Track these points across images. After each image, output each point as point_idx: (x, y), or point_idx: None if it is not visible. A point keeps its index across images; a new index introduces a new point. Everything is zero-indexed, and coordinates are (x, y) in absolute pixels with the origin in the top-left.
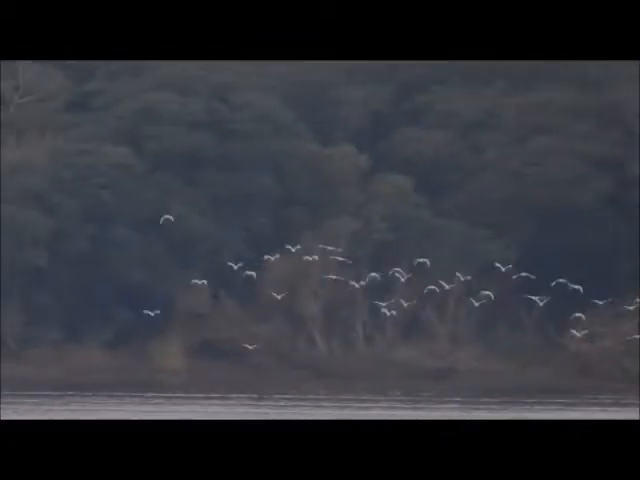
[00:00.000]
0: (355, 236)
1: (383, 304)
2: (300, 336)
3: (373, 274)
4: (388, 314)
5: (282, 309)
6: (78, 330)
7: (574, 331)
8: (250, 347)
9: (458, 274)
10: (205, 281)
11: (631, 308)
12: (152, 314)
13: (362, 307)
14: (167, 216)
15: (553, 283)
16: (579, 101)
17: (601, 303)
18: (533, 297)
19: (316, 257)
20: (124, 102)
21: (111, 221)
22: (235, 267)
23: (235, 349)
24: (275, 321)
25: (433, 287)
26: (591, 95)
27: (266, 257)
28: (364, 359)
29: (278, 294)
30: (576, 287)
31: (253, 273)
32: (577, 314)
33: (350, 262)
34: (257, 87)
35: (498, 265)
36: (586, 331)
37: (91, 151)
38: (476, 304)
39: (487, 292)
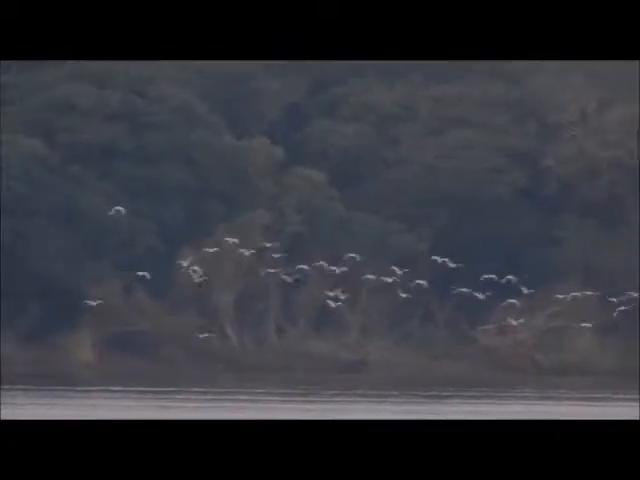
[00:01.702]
0: (269, 228)
1: (296, 296)
2: (212, 329)
3: (286, 266)
4: (300, 306)
5: (195, 302)
6: None
7: (486, 324)
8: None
9: (372, 266)
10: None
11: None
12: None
13: (275, 300)
14: (118, 207)
15: (467, 275)
16: (494, 94)
17: (514, 295)
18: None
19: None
20: (39, 94)
21: (25, 213)
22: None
23: (147, 342)
24: (187, 314)
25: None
26: (506, 88)
27: (180, 249)
28: (276, 352)
29: (192, 285)
30: (489, 278)
31: (167, 266)
32: (490, 306)
33: (262, 255)
34: (172, 80)
35: (435, 257)
36: (499, 323)
37: (5, 142)
38: (403, 295)
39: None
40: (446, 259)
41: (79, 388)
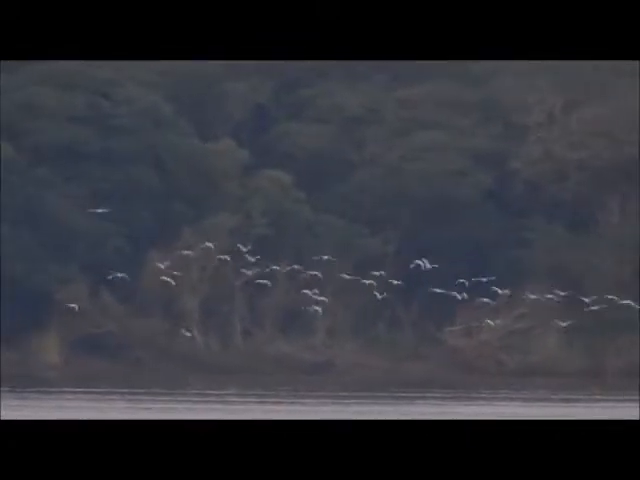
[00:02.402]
0: (235, 231)
1: (262, 298)
2: (179, 330)
3: (253, 269)
4: (266, 308)
5: (161, 304)
6: None
7: (453, 325)
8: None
9: (338, 269)
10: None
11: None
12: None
13: (241, 302)
14: (102, 210)
15: (433, 277)
16: (460, 96)
17: (480, 297)
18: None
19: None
20: (4, 96)
21: None
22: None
23: (114, 344)
24: (154, 316)
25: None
26: (472, 90)
27: (147, 251)
28: (242, 353)
29: (159, 288)
30: (456, 280)
31: (134, 268)
32: (456, 308)
33: (229, 257)
34: (138, 82)
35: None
36: (465, 325)
37: None
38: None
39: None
40: (412, 261)
41: (46, 389)
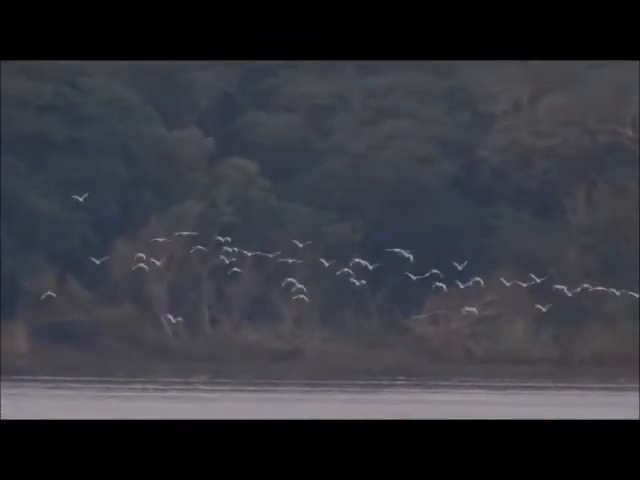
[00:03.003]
0: (201, 219)
1: (230, 286)
2: (147, 319)
3: (220, 257)
4: (234, 296)
5: (129, 292)
6: None
7: (420, 313)
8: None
9: (304, 257)
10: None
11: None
12: None
13: (208, 290)
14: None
15: (400, 265)
16: (426, 84)
17: (447, 285)
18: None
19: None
20: None
21: None
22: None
23: (82, 332)
24: (122, 304)
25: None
26: (438, 78)
27: (115, 240)
28: (210, 341)
29: (126, 276)
30: (422, 268)
31: (102, 256)
32: (423, 295)
33: (196, 245)
34: (105, 71)
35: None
36: (432, 312)
37: None
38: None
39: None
40: (379, 248)
41: (13, 378)
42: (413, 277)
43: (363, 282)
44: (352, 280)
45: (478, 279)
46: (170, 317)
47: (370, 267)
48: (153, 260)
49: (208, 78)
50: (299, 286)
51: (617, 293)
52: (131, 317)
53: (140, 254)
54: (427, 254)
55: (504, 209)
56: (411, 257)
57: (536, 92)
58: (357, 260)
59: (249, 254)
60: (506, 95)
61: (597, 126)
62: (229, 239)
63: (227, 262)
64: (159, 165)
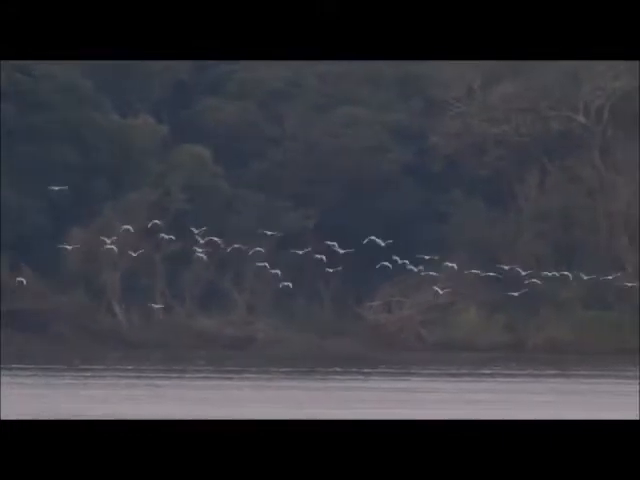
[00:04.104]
0: (155, 206)
1: (183, 274)
2: (100, 306)
3: (173, 244)
4: (186, 283)
5: (82, 279)
6: None
7: (373, 301)
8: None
9: (259, 244)
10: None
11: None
12: None
13: (161, 277)
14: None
15: (353, 252)
16: (380, 71)
17: (400, 272)
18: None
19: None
20: None
21: None
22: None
23: (34, 320)
24: (75, 291)
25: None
26: (391, 65)
27: (67, 227)
28: (163, 328)
29: (79, 263)
30: (376, 255)
31: (55, 244)
32: (376, 283)
33: (149, 232)
34: None
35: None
36: (385, 300)
37: None
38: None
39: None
40: (332, 236)
41: None
42: (363, 265)
43: (316, 269)
44: (305, 267)
45: (430, 266)
46: (123, 304)
47: (323, 255)
48: (106, 247)
49: (161, 65)
50: (252, 273)
51: (570, 279)
52: (84, 305)
53: (93, 241)
54: (380, 241)
55: (457, 196)
56: (382, 243)
57: (489, 79)
58: (310, 248)
59: (202, 241)
60: (459, 82)
61: (550, 113)
62: (182, 226)
63: (180, 249)
64: (113, 153)
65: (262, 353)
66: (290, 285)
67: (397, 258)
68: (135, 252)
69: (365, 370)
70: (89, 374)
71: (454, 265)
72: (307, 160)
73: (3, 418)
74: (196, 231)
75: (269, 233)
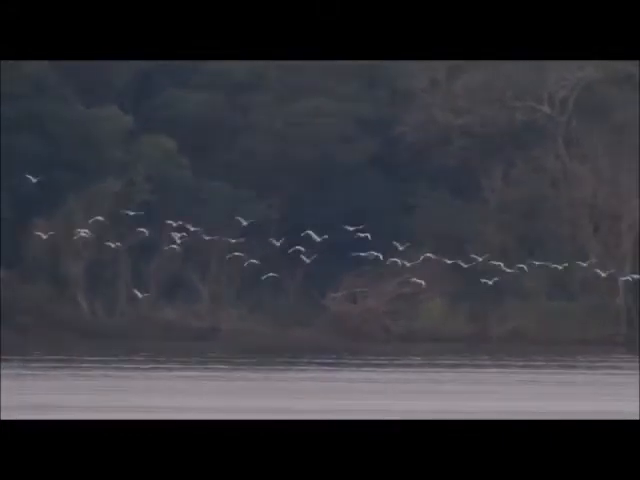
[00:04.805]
0: (120, 197)
1: (147, 264)
2: (64, 297)
3: (138, 234)
4: (151, 274)
5: (46, 270)
6: None
7: (337, 291)
8: None
9: (222, 234)
10: None
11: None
12: None
13: (125, 267)
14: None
15: (317, 242)
16: (345, 61)
17: (364, 263)
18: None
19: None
20: None
21: None
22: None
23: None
24: (39, 282)
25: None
26: None
27: (31, 218)
28: (127, 319)
29: (43, 254)
30: (340, 245)
31: (19, 235)
32: (340, 273)
33: (114, 222)
34: None
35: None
36: (349, 290)
37: None
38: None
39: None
40: (297, 226)
41: None
42: (328, 256)
43: (281, 260)
44: (270, 257)
45: (396, 257)
46: (87, 295)
47: (289, 245)
48: (70, 237)
49: None
50: (217, 264)
51: (535, 269)
52: (48, 295)
53: (58, 232)
54: (344, 232)
55: (422, 187)
56: (347, 233)
57: (453, 69)
58: (275, 238)
59: (167, 231)
60: (424, 72)
61: (514, 103)
62: (147, 216)
63: (145, 240)
64: (77, 143)
65: (226, 344)
66: (255, 275)
67: (362, 249)
68: (100, 242)
69: (329, 361)
70: (53, 364)
71: (419, 256)
72: (272, 151)
73: (3, 418)
74: (161, 222)
75: (244, 223)
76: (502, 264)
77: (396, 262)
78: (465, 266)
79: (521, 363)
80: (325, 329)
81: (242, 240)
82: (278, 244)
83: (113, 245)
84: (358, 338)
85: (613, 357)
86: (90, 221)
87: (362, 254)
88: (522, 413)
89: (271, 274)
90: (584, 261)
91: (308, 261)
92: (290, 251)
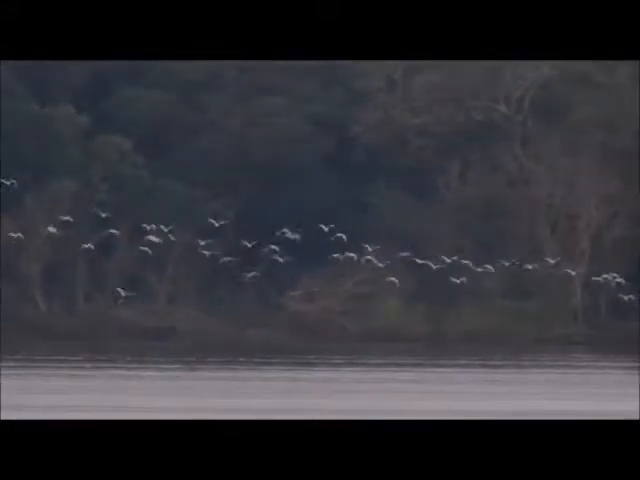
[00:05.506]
0: (76, 196)
1: (104, 264)
2: (22, 296)
3: (94, 234)
4: (108, 274)
5: (4, 270)
6: None
7: (294, 290)
8: None
9: (179, 234)
10: None
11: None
12: None
13: (83, 268)
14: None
15: (274, 242)
16: (301, 61)
17: (321, 262)
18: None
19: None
20: None
21: None
22: None
23: None
24: None
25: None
26: None
27: None
28: (85, 319)
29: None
30: (297, 245)
31: None
32: (297, 273)
33: (70, 223)
34: None
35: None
36: (306, 290)
37: None
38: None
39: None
40: (254, 226)
41: None
42: (285, 256)
43: (238, 259)
44: (226, 258)
45: (352, 256)
46: (45, 295)
47: (247, 244)
48: (27, 238)
49: None
50: (173, 264)
51: (491, 270)
52: (6, 295)
53: (15, 233)
54: (302, 232)
55: (378, 187)
56: (297, 237)
57: (410, 69)
58: (231, 238)
59: (123, 232)
60: (380, 72)
61: (471, 103)
62: (104, 216)
63: (101, 240)
64: (32, 143)
65: (183, 343)
66: (212, 275)
67: (319, 248)
68: (56, 242)
69: (286, 361)
70: (11, 364)
71: (376, 255)
72: (228, 150)
73: (3, 418)
74: (118, 222)
75: (216, 224)
76: (459, 263)
77: (352, 261)
78: (422, 265)
79: (476, 362)
80: (282, 329)
81: (199, 240)
82: (235, 243)
83: (70, 245)
84: (315, 337)
85: (571, 356)
86: (47, 221)
87: (320, 253)
88: (477, 413)
89: (228, 273)
90: (540, 260)
91: (266, 260)
92: (248, 249)
